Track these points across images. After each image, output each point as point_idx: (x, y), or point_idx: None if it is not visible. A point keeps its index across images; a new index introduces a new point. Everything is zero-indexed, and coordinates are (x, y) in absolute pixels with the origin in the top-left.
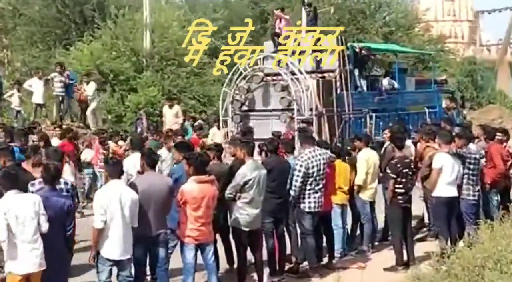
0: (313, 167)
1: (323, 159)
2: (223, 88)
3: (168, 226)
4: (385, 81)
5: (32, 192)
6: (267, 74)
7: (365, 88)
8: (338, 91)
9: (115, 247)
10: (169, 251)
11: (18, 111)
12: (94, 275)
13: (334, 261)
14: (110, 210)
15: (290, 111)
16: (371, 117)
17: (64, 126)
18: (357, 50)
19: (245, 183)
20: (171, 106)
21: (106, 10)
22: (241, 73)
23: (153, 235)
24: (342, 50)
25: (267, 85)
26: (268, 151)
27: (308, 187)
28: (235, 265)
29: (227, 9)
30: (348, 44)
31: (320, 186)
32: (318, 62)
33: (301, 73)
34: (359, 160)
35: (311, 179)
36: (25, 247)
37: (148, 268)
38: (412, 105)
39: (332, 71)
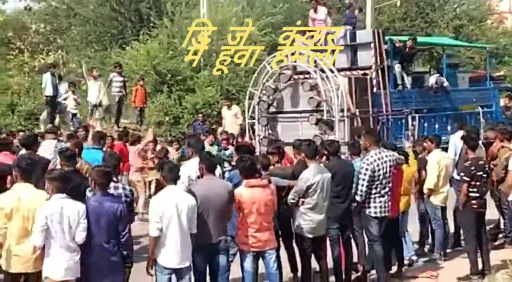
0: (379, 170)
1: (390, 161)
2: (249, 88)
3: (228, 233)
4: (432, 79)
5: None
6: (297, 73)
7: (409, 86)
8: (375, 90)
9: (173, 255)
10: (230, 259)
11: (74, 115)
12: None
13: (403, 270)
14: (166, 216)
15: (319, 113)
16: (413, 119)
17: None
18: (397, 44)
19: (308, 187)
20: (229, 107)
21: (162, 7)
22: (267, 72)
23: (213, 242)
24: (379, 45)
25: (296, 84)
26: (329, 154)
27: (373, 191)
28: (299, 274)
29: (286, 3)
30: (387, 38)
31: (387, 189)
32: (353, 59)
33: (332, 71)
34: (430, 162)
35: (377, 182)
36: (63, 253)
37: (208, 277)
38: (463, 104)
39: (368, 68)
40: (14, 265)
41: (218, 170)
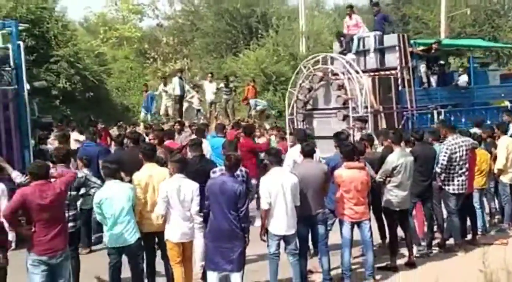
0: (455, 152)
1: (465, 145)
2: (289, 89)
3: (326, 206)
4: (462, 77)
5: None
6: (334, 74)
7: (434, 84)
8: (400, 88)
9: (281, 224)
10: (328, 228)
11: (198, 110)
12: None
13: (477, 238)
14: (273, 193)
15: (346, 110)
16: (439, 113)
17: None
18: (415, 50)
19: (394, 168)
20: None
21: (268, 21)
22: (303, 73)
23: (313, 214)
24: (404, 48)
25: (328, 84)
26: (415, 139)
27: (452, 171)
28: (387, 241)
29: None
30: (412, 41)
31: (464, 169)
32: (381, 61)
33: (357, 72)
34: (500, 146)
35: (454, 164)
36: (179, 221)
37: (310, 243)
38: (493, 99)
39: (394, 69)
40: (146, 226)
41: (316, 154)
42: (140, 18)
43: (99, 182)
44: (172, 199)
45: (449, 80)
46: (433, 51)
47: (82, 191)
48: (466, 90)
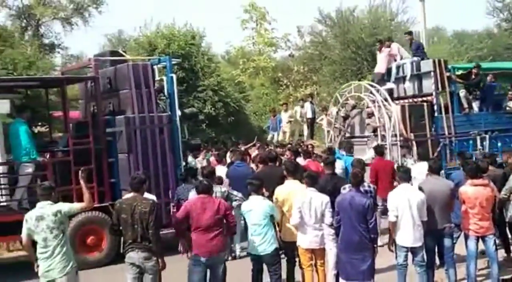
0: None
1: None
2: (324, 117)
3: (452, 221)
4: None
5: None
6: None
7: (476, 109)
8: (436, 115)
9: (408, 236)
10: (454, 242)
11: (328, 131)
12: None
13: None
14: (400, 207)
15: (376, 137)
16: (483, 139)
17: None
18: (457, 72)
19: None
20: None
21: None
22: (338, 101)
23: (439, 228)
24: (441, 73)
25: (361, 112)
26: None
27: None
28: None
29: (490, 38)
30: (449, 66)
31: None
32: (419, 87)
33: (386, 100)
34: None
35: None
36: (309, 229)
37: (437, 255)
38: None
39: (431, 95)
40: (287, 235)
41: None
42: (274, 50)
43: (240, 195)
44: (304, 209)
45: (498, 104)
46: (473, 76)
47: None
48: None
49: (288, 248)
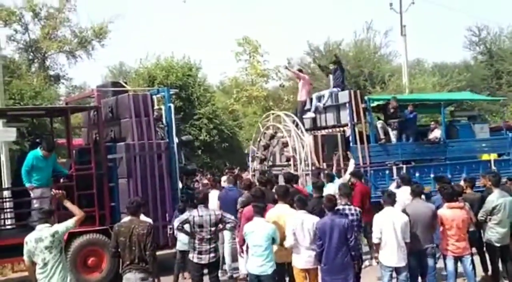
0: None
1: None
2: (251, 146)
3: (435, 242)
4: (435, 133)
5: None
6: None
7: (394, 139)
8: (352, 145)
9: (392, 256)
10: (435, 262)
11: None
12: None
13: None
14: (385, 229)
15: (289, 167)
16: (400, 169)
17: None
18: (373, 104)
19: (493, 207)
20: None
21: (374, 79)
22: (260, 131)
23: (422, 248)
24: (356, 105)
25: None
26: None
27: None
28: (489, 273)
29: (468, 71)
30: (366, 97)
31: None
32: (338, 118)
33: (301, 131)
34: None
35: None
36: (303, 250)
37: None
38: (473, 153)
39: (346, 125)
40: (279, 257)
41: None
42: (266, 80)
43: (233, 217)
44: (297, 231)
45: (423, 134)
46: (391, 107)
47: (220, 226)
48: (438, 145)
49: (280, 269)
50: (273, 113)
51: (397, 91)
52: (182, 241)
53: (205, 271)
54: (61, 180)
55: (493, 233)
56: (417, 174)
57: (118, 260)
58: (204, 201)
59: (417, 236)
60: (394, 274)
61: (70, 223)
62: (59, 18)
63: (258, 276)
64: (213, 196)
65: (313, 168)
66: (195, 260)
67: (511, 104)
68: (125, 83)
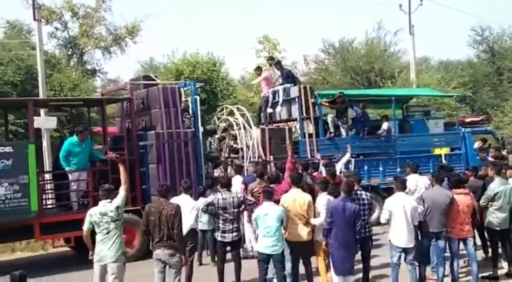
0: None
1: None
2: (209, 139)
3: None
4: (384, 126)
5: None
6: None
7: (344, 134)
8: (300, 138)
9: (402, 237)
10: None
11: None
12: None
13: None
14: (395, 212)
15: (238, 159)
16: (348, 162)
17: None
18: (323, 99)
19: (495, 194)
20: None
21: (384, 75)
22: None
23: (436, 231)
24: (306, 100)
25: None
26: None
27: None
28: (489, 254)
29: (471, 68)
30: (316, 93)
31: None
32: (290, 112)
33: (249, 124)
34: None
35: None
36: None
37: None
38: (424, 147)
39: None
40: (293, 236)
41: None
42: None
43: (253, 199)
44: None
45: (376, 128)
46: (338, 101)
47: (242, 207)
48: (388, 139)
49: (293, 247)
50: (226, 107)
51: (406, 86)
52: (203, 221)
53: (228, 248)
54: (97, 164)
55: (494, 218)
56: (365, 167)
57: (148, 238)
58: (228, 185)
59: (433, 219)
60: (403, 255)
61: (121, 192)
62: (95, 17)
63: (270, 255)
64: (237, 181)
65: (260, 160)
66: (219, 239)
67: (511, 99)
68: (155, 77)
